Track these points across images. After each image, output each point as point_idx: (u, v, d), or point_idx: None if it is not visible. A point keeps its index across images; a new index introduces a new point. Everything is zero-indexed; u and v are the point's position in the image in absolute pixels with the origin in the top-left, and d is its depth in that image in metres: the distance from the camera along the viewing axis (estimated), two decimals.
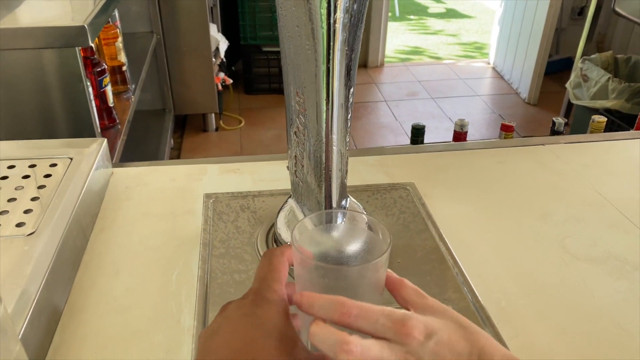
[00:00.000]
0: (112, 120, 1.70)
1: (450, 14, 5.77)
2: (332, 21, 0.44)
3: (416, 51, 4.55)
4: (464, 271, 0.57)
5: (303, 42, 0.46)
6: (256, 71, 3.40)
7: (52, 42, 1.16)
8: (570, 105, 2.85)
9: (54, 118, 1.28)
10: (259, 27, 3.25)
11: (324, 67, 0.46)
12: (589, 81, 2.56)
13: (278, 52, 3.34)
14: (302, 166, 0.54)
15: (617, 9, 2.70)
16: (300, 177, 0.55)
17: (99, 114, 1.56)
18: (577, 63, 2.71)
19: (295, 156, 0.55)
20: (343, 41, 0.46)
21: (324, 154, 0.51)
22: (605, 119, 1.14)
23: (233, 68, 3.49)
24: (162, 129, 2.60)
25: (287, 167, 0.81)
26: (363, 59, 4.02)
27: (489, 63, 4.07)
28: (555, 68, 3.65)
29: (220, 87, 2.94)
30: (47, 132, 1.28)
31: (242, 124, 3.12)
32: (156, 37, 2.56)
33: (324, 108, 0.48)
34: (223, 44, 2.89)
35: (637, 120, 1.18)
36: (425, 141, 1.52)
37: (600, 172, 0.83)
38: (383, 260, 0.36)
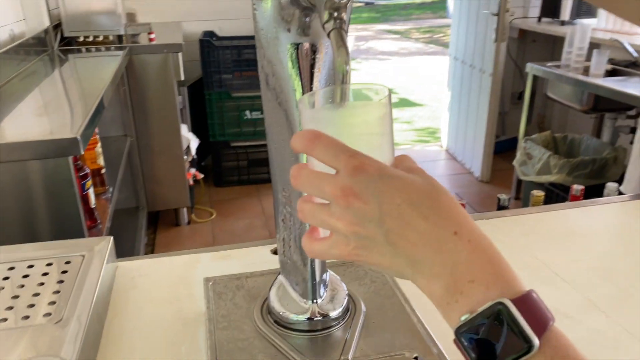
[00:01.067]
0: (94, 220, 1.79)
1: (403, 103, 6.20)
2: None
3: None
4: (427, 326, 0.68)
5: (286, 147, 0.60)
6: (225, 165, 3.56)
7: (47, 153, 1.28)
8: (519, 180, 3.09)
9: (43, 222, 1.38)
10: (227, 124, 3.45)
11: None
12: (533, 159, 2.81)
13: (246, 147, 3.54)
14: (290, 247, 0.66)
15: (549, 94, 3.03)
16: (288, 256, 0.67)
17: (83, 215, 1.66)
18: (521, 142, 2.98)
19: (283, 239, 0.67)
20: None
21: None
22: (543, 193, 1.31)
23: (203, 163, 3.64)
24: (136, 226, 2.68)
25: (271, 251, 0.93)
26: None
27: (442, 146, 4.37)
28: (503, 147, 3.96)
29: (191, 182, 3.07)
30: (34, 235, 1.37)
31: (214, 216, 3.23)
32: (130, 140, 2.70)
33: None
34: (194, 142, 3.06)
35: (570, 192, 1.36)
36: None
37: (537, 239, 0.98)
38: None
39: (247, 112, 3.46)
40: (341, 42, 0.42)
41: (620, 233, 1.00)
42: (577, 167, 2.60)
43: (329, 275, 0.71)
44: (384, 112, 0.41)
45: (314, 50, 0.56)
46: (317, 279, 0.67)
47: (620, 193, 1.58)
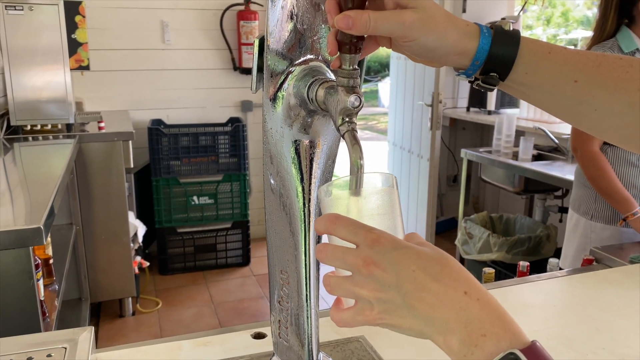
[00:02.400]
0: (43, 314, 1.71)
1: None
2: (307, 223, 0.64)
3: None
4: None
5: (285, 230, 0.66)
6: (171, 252, 3.50)
7: (8, 244, 1.25)
8: (462, 259, 3.22)
9: None
10: (174, 210, 3.43)
11: (302, 249, 0.65)
12: (473, 238, 2.96)
13: (192, 233, 3.51)
14: (286, 328, 0.69)
15: (484, 177, 3.26)
16: (284, 338, 0.70)
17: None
18: (461, 223, 3.14)
19: (279, 320, 0.70)
20: (314, 232, 0.65)
21: (305, 317, 0.67)
22: (494, 270, 1.40)
23: (147, 251, 3.56)
24: (79, 319, 2.55)
25: (252, 335, 0.94)
26: None
27: None
28: (443, 228, 4.14)
29: (137, 270, 2.98)
30: None
31: (160, 305, 3.12)
32: (75, 228, 2.63)
33: (304, 281, 0.66)
34: (141, 230, 3.02)
35: (517, 269, 1.46)
36: None
37: None
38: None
39: (195, 198, 3.47)
40: (354, 141, 0.50)
41: (571, 304, 1.09)
42: (514, 245, 2.76)
43: (322, 356, 0.74)
44: (393, 196, 0.48)
45: (312, 146, 0.63)
46: (314, 358, 0.70)
47: (560, 268, 1.71)
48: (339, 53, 0.52)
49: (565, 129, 3.06)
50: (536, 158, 2.95)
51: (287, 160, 0.62)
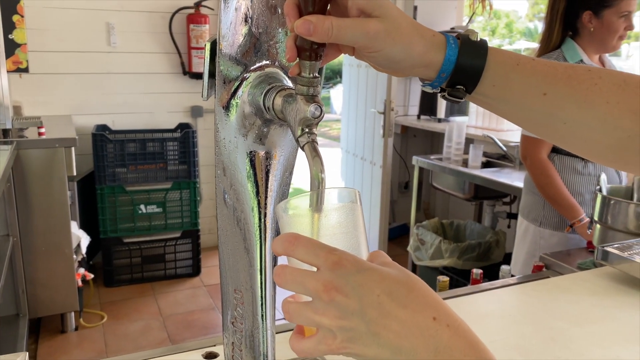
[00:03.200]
0: None
1: (298, 192, 6.34)
2: (263, 239, 0.60)
3: None
4: None
5: (239, 248, 0.62)
6: (117, 263, 3.36)
7: None
8: (414, 265, 3.25)
9: None
10: (120, 219, 3.30)
11: (258, 266, 0.61)
12: (425, 244, 2.99)
13: (140, 243, 3.38)
14: (240, 350, 0.65)
15: (435, 184, 3.30)
16: None
17: None
18: (413, 229, 3.17)
19: (233, 343, 0.66)
20: (271, 249, 0.62)
21: (260, 338, 0.63)
22: (448, 279, 1.40)
23: (91, 262, 3.40)
24: (16, 337, 2.40)
25: (203, 355, 0.89)
26: None
27: None
28: (396, 234, 4.17)
29: (80, 283, 2.84)
30: None
31: (105, 319, 2.98)
32: (13, 240, 2.48)
33: (260, 301, 0.62)
34: (85, 240, 2.88)
35: (471, 276, 1.46)
36: None
37: None
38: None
39: (142, 207, 3.35)
40: (315, 153, 0.46)
41: (526, 313, 1.10)
42: (465, 251, 2.80)
43: None
44: (356, 213, 0.45)
45: (268, 157, 0.59)
46: None
47: (512, 275, 1.74)
48: (298, 59, 0.48)
49: (513, 136, 3.14)
50: (485, 165, 3.01)
51: (241, 173, 0.58)
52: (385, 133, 3.50)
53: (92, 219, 3.27)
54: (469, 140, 3.22)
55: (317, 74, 0.49)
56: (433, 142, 4.31)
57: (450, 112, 3.86)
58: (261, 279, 0.62)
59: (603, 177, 1.60)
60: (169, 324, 2.95)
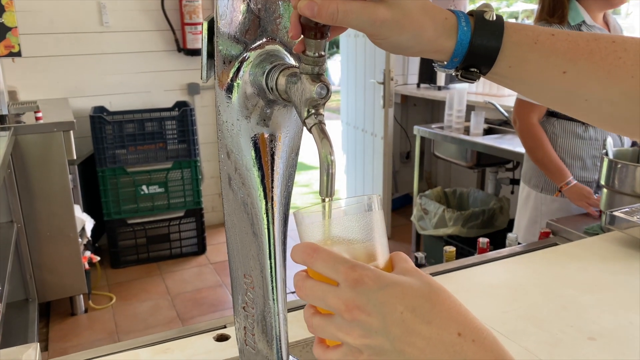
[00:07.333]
0: None
1: (300, 167, 6.32)
2: (271, 223, 0.59)
3: None
4: None
5: (248, 233, 0.60)
6: (122, 244, 3.37)
7: None
8: (418, 235, 3.25)
9: None
10: (123, 201, 3.29)
11: (267, 251, 0.60)
12: (429, 213, 2.99)
13: (144, 224, 3.38)
14: (253, 335, 0.64)
15: (437, 153, 3.28)
16: (251, 345, 0.65)
17: None
18: (416, 199, 3.16)
19: (245, 327, 0.65)
20: (279, 232, 0.60)
21: (273, 322, 0.62)
22: (454, 249, 1.39)
23: (97, 244, 3.41)
24: (27, 321, 2.42)
25: (214, 338, 0.89)
26: None
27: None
28: (398, 204, 4.16)
29: (87, 265, 2.85)
30: None
31: (114, 300, 3.01)
32: (17, 226, 2.48)
33: (271, 285, 0.61)
34: (89, 223, 2.88)
35: (477, 245, 1.45)
36: None
37: (466, 295, 1.04)
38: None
39: (144, 187, 3.34)
40: (323, 135, 0.45)
41: (536, 282, 1.09)
42: (469, 219, 2.80)
43: (291, 358, 0.69)
44: (376, 219, 0.44)
45: (272, 139, 0.58)
46: None
47: (518, 242, 1.73)
48: (302, 37, 0.46)
49: None
50: (487, 132, 2.98)
51: (246, 156, 0.56)
52: (385, 103, 3.47)
53: (95, 201, 3.27)
54: (470, 108, 3.19)
55: (322, 52, 0.47)
56: (434, 110, 4.27)
57: (450, 79, 3.81)
58: (271, 263, 0.61)
59: (609, 140, 1.58)
60: (178, 302, 2.98)
